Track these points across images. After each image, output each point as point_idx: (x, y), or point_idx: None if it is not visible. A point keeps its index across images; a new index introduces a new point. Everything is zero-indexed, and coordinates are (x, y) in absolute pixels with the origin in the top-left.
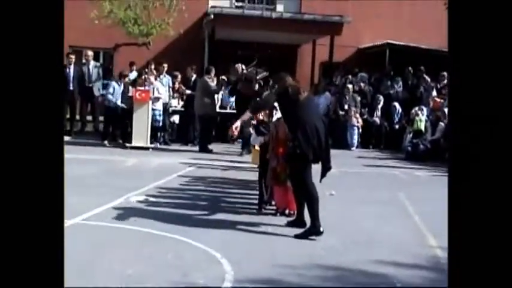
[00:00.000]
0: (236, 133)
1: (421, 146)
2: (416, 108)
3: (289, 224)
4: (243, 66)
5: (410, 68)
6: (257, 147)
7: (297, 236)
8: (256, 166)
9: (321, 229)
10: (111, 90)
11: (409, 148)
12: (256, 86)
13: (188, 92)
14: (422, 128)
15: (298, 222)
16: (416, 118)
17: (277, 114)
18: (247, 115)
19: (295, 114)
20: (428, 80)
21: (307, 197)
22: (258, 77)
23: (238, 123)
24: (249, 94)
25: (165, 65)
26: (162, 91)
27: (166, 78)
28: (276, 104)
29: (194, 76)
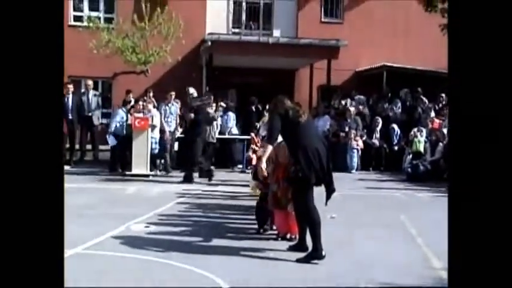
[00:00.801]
0: (266, 174)
1: (421, 167)
2: (415, 129)
3: (291, 249)
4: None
5: (407, 90)
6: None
7: (299, 260)
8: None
9: (323, 253)
10: (118, 118)
11: (409, 169)
12: (192, 114)
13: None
14: (422, 149)
15: (300, 246)
16: (415, 140)
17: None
18: (269, 149)
19: (296, 137)
20: (426, 101)
21: (309, 221)
22: (193, 105)
23: (264, 164)
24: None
25: (173, 93)
26: (157, 120)
27: (175, 106)
28: None
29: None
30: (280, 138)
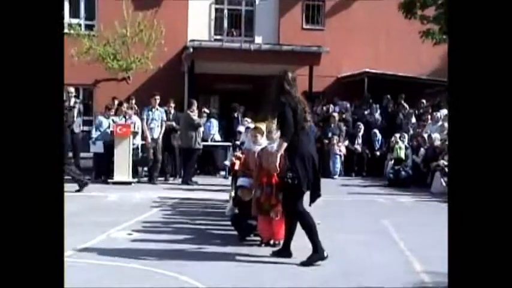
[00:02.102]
0: (278, 170)
1: (403, 173)
2: (397, 135)
3: (275, 254)
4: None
5: (389, 96)
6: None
7: (303, 264)
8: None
9: (325, 253)
10: (104, 125)
11: (391, 175)
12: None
13: (169, 123)
14: (402, 155)
15: (283, 252)
16: (396, 146)
17: (262, 144)
18: (284, 146)
19: (297, 143)
20: (407, 106)
21: (305, 225)
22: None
23: (278, 161)
24: None
25: (157, 97)
26: (138, 126)
27: (159, 111)
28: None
29: (173, 110)
30: (264, 143)
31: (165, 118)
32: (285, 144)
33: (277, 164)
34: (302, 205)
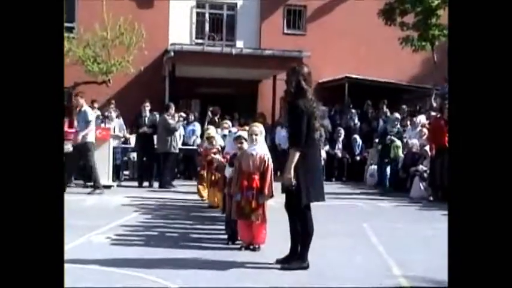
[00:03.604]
0: (294, 182)
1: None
2: (390, 136)
3: (284, 264)
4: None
5: (369, 101)
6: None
7: (283, 268)
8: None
9: (308, 264)
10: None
11: (388, 180)
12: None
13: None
14: (401, 154)
15: (295, 261)
16: (393, 145)
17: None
18: (296, 157)
19: (308, 156)
20: (388, 112)
21: (305, 230)
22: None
23: (292, 172)
24: None
25: (147, 105)
26: (121, 129)
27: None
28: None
29: (148, 113)
30: (245, 146)
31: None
32: (297, 155)
33: (292, 177)
34: (309, 210)
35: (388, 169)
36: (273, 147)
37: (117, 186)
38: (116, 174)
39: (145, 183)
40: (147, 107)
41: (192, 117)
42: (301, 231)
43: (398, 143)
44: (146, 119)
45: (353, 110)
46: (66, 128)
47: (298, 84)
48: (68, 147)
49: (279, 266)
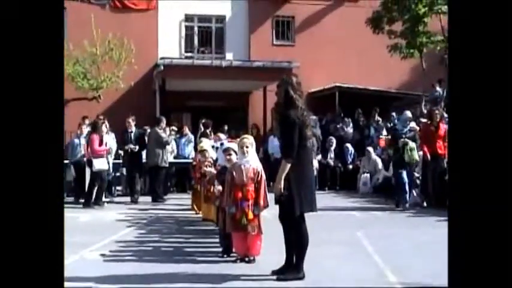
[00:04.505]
0: (286, 192)
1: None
2: (402, 140)
3: (279, 275)
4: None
5: (360, 110)
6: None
7: (279, 278)
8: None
9: (303, 274)
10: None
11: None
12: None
13: (130, 146)
14: (416, 157)
15: (291, 273)
16: (407, 147)
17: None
18: (287, 168)
19: (301, 166)
20: (380, 119)
21: (300, 242)
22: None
23: (282, 183)
24: None
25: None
26: (111, 145)
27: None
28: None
29: (133, 127)
30: (234, 158)
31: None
32: (288, 166)
33: (282, 187)
34: (303, 221)
35: (363, 177)
36: (265, 157)
37: (109, 202)
38: (108, 190)
39: (140, 199)
40: (132, 121)
41: (186, 129)
42: (297, 242)
43: (412, 144)
44: (132, 134)
45: (346, 119)
46: (97, 146)
47: (287, 94)
48: (103, 164)
49: (274, 277)
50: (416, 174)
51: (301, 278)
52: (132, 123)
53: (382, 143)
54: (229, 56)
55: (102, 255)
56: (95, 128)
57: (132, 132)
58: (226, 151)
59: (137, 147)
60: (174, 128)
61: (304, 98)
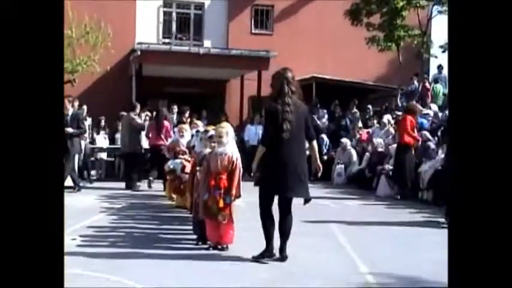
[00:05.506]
0: (252, 174)
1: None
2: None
3: (256, 258)
4: None
5: (337, 101)
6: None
7: (253, 257)
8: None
9: (274, 252)
10: None
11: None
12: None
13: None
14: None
15: (264, 253)
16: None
17: (211, 147)
18: (259, 152)
19: (277, 153)
20: (357, 111)
21: (262, 223)
22: None
23: (255, 164)
24: None
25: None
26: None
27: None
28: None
29: (71, 110)
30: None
31: None
32: (261, 150)
33: (254, 166)
34: (269, 207)
35: (338, 168)
36: (241, 144)
37: (84, 187)
38: (80, 175)
39: (115, 185)
40: (69, 103)
41: (147, 116)
42: (262, 223)
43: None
44: (68, 117)
45: (323, 110)
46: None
47: (281, 88)
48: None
49: (249, 261)
50: (391, 167)
51: (271, 255)
52: (69, 105)
53: (364, 137)
54: (207, 43)
55: (74, 240)
56: None
57: (67, 115)
58: (211, 138)
59: (80, 130)
60: (148, 114)
61: (299, 91)
